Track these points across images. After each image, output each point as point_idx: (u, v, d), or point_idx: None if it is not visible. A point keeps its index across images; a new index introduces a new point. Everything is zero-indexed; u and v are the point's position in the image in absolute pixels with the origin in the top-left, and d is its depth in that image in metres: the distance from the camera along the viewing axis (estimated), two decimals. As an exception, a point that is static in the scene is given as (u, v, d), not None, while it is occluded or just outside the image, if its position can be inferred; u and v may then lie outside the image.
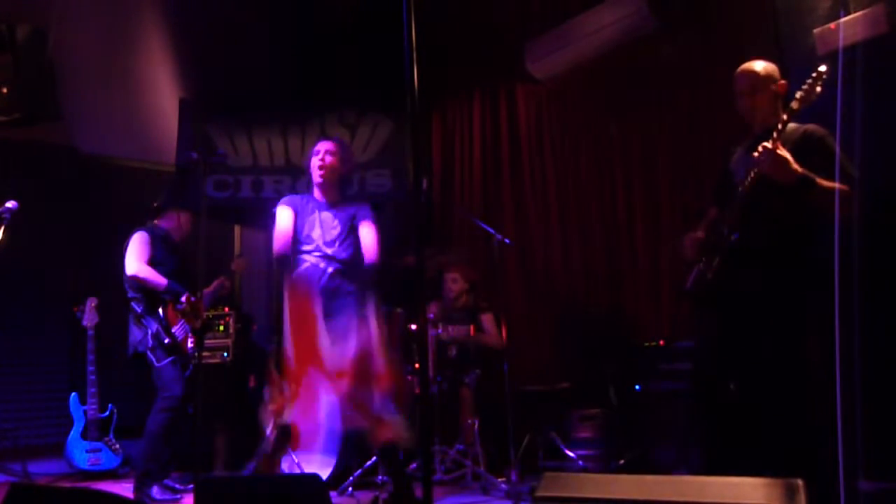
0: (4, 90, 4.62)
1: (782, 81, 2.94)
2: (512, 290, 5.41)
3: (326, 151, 3.68)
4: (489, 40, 5.94)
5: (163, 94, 6.21)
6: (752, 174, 2.80)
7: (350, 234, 3.70)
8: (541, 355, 5.29)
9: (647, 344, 4.21)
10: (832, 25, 3.32)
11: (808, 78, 2.76)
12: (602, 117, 5.21)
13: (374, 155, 6.11)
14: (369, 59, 6.30)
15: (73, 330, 5.12)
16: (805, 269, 2.77)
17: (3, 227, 3.99)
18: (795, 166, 2.69)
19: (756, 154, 2.74)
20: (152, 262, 4.25)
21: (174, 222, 4.45)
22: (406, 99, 2.03)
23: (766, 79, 2.96)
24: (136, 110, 6.14)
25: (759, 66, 2.98)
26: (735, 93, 3.05)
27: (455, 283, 5.02)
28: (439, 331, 4.49)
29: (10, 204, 4.16)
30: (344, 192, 3.86)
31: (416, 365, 4.38)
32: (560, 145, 5.49)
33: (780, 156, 2.68)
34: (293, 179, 5.98)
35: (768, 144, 2.70)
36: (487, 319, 4.97)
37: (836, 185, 2.67)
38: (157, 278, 4.18)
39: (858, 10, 3.22)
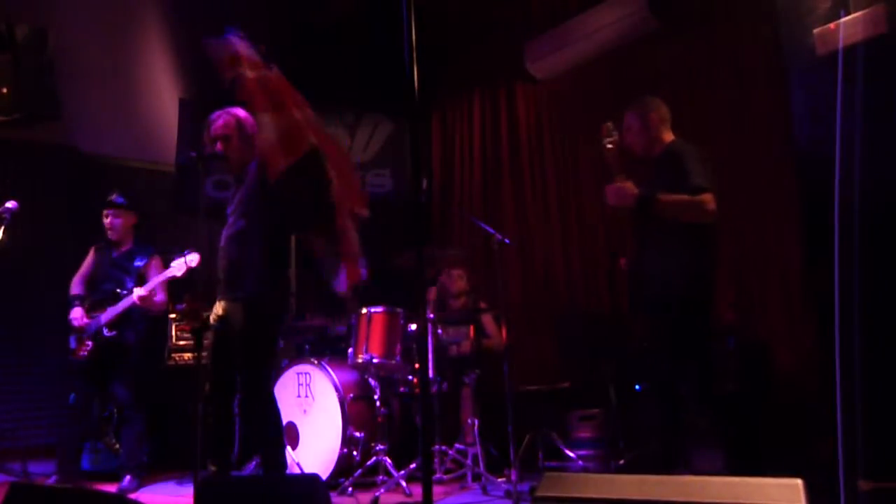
0: (4, 90, 4.62)
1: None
2: (512, 290, 5.41)
3: (215, 121, 3.42)
4: (489, 40, 5.94)
5: (163, 94, 6.21)
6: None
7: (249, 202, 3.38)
8: (541, 355, 5.29)
9: (647, 344, 4.21)
10: (832, 25, 3.32)
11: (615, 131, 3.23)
12: (602, 117, 5.20)
13: (374, 155, 6.11)
14: (369, 59, 6.30)
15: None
16: (689, 270, 3.14)
17: (3, 227, 4.00)
18: (631, 191, 3.13)
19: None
20: (92, 274, 4.53)
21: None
22: (406, 99, 2.03)
23: (640, 117, 3.41)
24: (136, 110, 6.14)
25: (636, 108, 3.44)
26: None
27: (461, 279, 5.03)
28: (439, 331, 4.49)
29: (10, 204, 4.17)
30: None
31: (417, 365, 4.38)
32: (560, 145, 5.49)
33: (615, 187, 3.17)
34: (293, 179, 5.98)
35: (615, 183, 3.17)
36: (488, 320, 4.97)
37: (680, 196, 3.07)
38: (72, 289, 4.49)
39: (858, 11, 3.22)
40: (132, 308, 4.32)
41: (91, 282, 4.53)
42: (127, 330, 4.39)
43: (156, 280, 4.29)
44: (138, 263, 4.50)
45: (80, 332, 4.38)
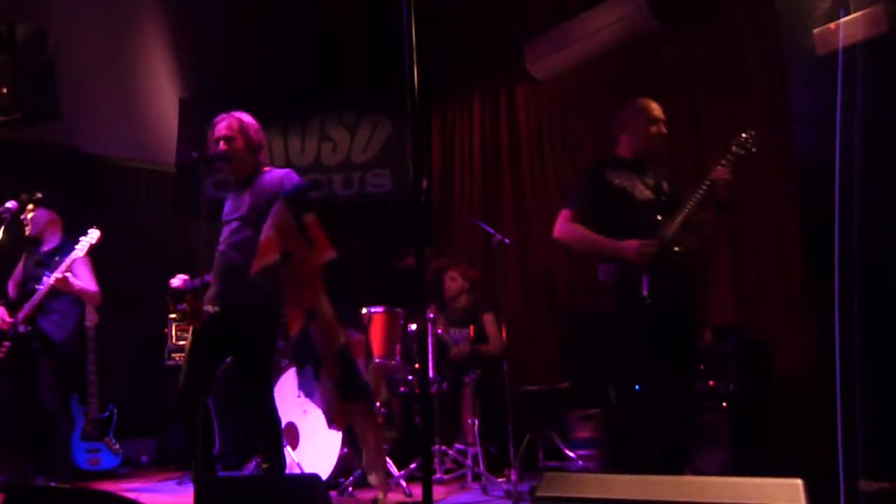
0: (4, 90, 4.61)
1: None
2: (512, 290, 5.41)
3: (219, 123, 3.40)
4: (489, 40, 5.94)
5: (163, 94, 6.21)
6: (700, 194, 3.14)
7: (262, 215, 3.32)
8: (541, 355, 5.28)
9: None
10: (832, 25, 3.32)
11: (742, 137, 3.18)
12: (602, 117, 5.21)
13: (374, 155, 6.11)
14: (369, 59, 6.30)
15: (72, 330, 5.11)
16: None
17: (2, 227, 4.00)
18: None
19: (724, 175, 3.13)
20: (21, 275, 4.45)
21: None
22: (406, 99, 2.03)
23: None
24: (136, 110, 6.14)
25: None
26: (652, 119, 3.37)
27: (454, 280, 5.00)
28: (439, 331, 4.49)
29: (10, 204, 4.18)
30: (257, 168, 3.46)
31: (417, 365, 4.38)
32: (560, 145, 5.49)
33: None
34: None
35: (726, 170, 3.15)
36: (489, 320, 4.96)
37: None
38: None
39: (858, 11, 3.22)
40: (50, 301, 4.26)
41: (21, 283, 4.46)
42: (44, 324, 4.27)
43: (65, 263, 4.24)
44: (66, 259, 4.40)
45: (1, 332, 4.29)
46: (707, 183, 3.14)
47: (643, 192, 3.30)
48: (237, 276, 3.27)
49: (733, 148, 3.19)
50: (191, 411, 3.16)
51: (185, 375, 3.24)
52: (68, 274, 4.24)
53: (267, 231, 3.13)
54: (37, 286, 4.29)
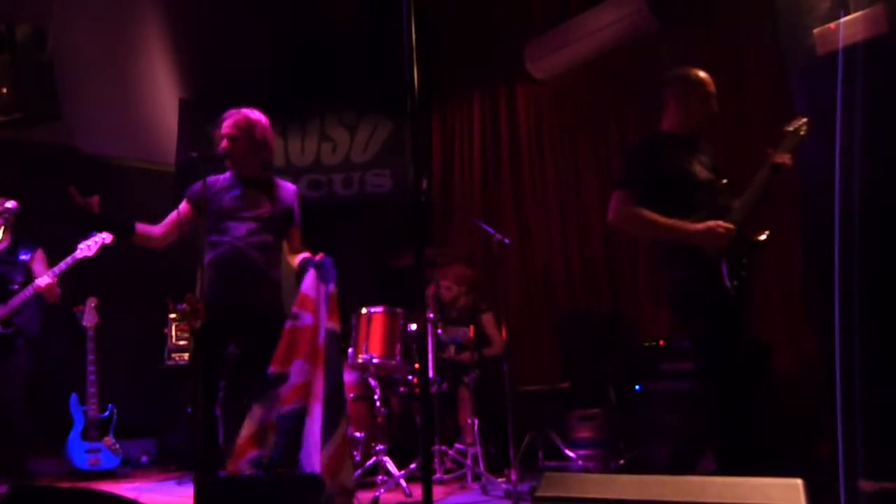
0: (4, 90, 4.61)
1: None
2: (512, 290, 5.41)
3: (226, 120, 3.40)
4: (489, 40, 5.95)
5: (163, 94, 6.22)
6: (764, 178, 2.89)
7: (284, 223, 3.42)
8: (541, 355, 5.29)
9: (647, 344, 4.21)
10: (832, 25, 3.32)
11: (797, 123, 2.97)
12: (602, 117, 5.22)
13: (374, 155, 6.11)
14: (369, 59, 6.30)
15: (73, 330, 5.11)
16: None
17: (3, 227, 3.99)
18: None
19: (788, 160, 2.88)
20: None
21: None
22: (406, 99, 2.03)
23: None
24: (136, 110, 6.15)
25: None
26: (709, 93, 3.11)
27: (448, 290, 4.98)
28: (439, 331, 4.48)
29: (10, 204, 4.16)
30: (263, 166, 3.48)
31: (416, 365, 4.38)
32: (560, 145, 5.50)
33: None
34: (293, 179, 5.98)
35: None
36: (488, 320, 4.96)
37: None
38: None
39: (858, 10, 3.23)
40: (27, 302, 4.20)
41: None
42: (19, 321, 4.22)
43: (63, 264, 4.20)
44: (24, 257, 4.36)
45: None
46: (770, 166, 2.89)
47: (702, 171, 2.97)
48: (257, 275, 3.30)
49: (788, 130, 2.97)
50: (209, 413, 3.18)
51: (203, 380, 3.19)
52: (51, 279, 4.18)
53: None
54: (11, 286, 4.22)
